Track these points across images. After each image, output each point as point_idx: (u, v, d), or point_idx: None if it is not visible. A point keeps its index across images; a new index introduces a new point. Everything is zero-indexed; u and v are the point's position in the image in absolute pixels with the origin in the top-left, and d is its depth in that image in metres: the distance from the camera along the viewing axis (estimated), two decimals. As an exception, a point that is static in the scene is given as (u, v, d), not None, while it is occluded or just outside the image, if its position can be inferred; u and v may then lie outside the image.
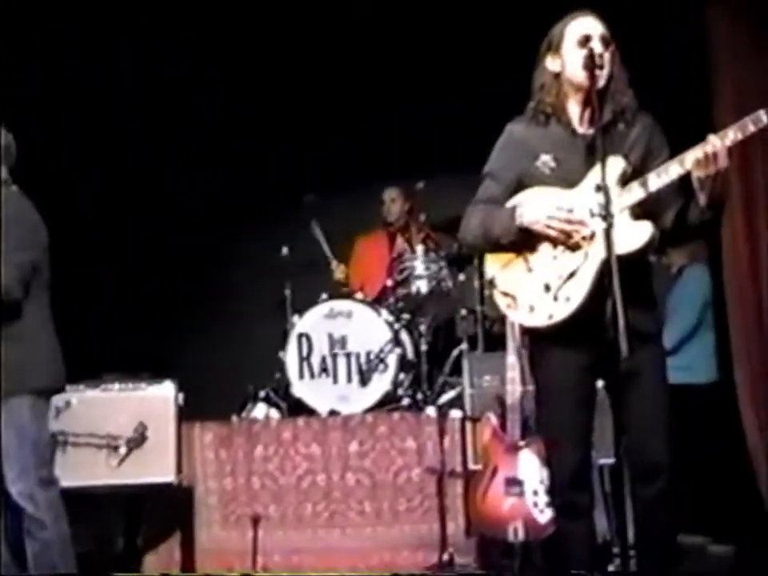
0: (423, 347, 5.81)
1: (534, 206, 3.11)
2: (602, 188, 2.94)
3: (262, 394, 5.79)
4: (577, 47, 3.12)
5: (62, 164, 5.79)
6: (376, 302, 5.95)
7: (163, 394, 5.02)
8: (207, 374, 6.46)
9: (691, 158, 2.96)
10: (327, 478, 5.26)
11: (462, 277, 5.95)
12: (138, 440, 4.90)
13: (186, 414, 5.12)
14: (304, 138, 6.74)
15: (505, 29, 5.94)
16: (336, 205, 6.52)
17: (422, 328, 5.85)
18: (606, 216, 2.91)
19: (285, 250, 6.13)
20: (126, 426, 4.89)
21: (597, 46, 3.10)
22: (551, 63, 3.20)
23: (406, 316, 5.88)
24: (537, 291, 3.13)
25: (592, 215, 3.04)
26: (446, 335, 6.12)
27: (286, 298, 6.11)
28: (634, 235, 3.00)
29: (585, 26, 3.15)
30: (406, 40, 6.28)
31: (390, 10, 6.10)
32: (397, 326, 5.74)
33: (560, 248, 3.12)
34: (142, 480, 4.88)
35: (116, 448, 4.86)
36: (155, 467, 4.91)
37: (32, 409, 3.63)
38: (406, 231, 6.47)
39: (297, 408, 5.68)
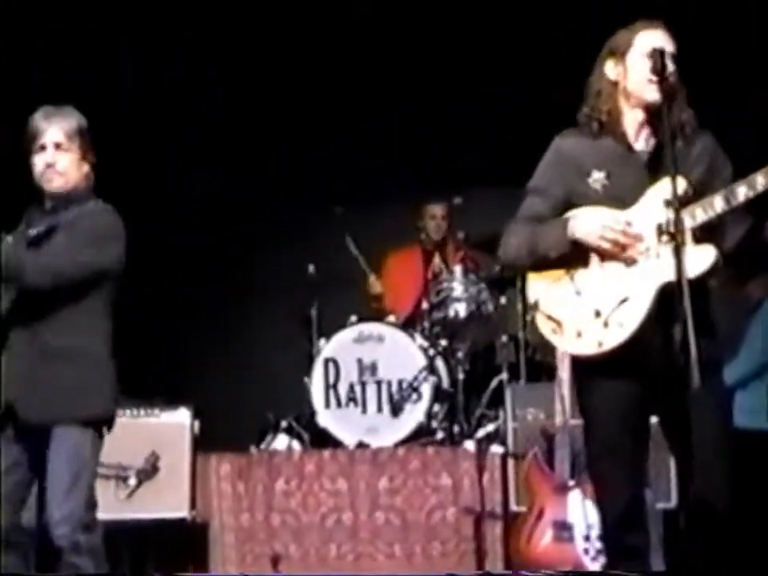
0: (460, 376, 5.74)
1: (589, 218, 3.09)
2: (671, 203, 2.90)
3: (283, 423, 5.74)
4: (644, 59, 3.07)
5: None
6: (409, 326, 5.90)
7: (177, 422, 5.04)
8: (225, 401, 6.44)
9: None
10: (354, 516, 5.21)
11: (503, 300, 5.92)
12: (149, 471, 4.91)
13: (202, 444, 5.12)
14: (329, 148, 6.79)
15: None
16: (365, 219, 6.53)
17: (459, 355, 5.80)
18: (676, 234, 2.85)
19: (311, 269, 6.12)
20: (136, 456, 4.91)
21: (667, 62, 3.05)
22: (611, 70, 3.16)
23: (441, 342, 5.83)
24: (585, 316, 3.08)
25: (660, 233, 3.01)
26: (484, 363, 6.05)
27: (311, 320, 6.06)
28: (696, 260, 2.95)
29: (656, 40, 3.11)
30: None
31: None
32: (432, 352, 5.68)
33: (612, 269, 3.08)
34: (153, 515, 4.89)
35: (125, 479, 4.88)
36: (167, 501, 4.92)
37: (92, 441, 3.45)
38: (443, 249, 6.45)
39: (321, 440, 5.64)
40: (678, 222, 2.86)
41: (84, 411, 3.43)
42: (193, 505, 4.96)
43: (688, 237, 2.96)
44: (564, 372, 4.61)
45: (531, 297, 3.22)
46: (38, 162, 3.54)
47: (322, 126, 6.72)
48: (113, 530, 4.58)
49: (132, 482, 4.87)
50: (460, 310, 5.79)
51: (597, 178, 3.12)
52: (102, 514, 4.37)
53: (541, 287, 3.19)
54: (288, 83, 6.61)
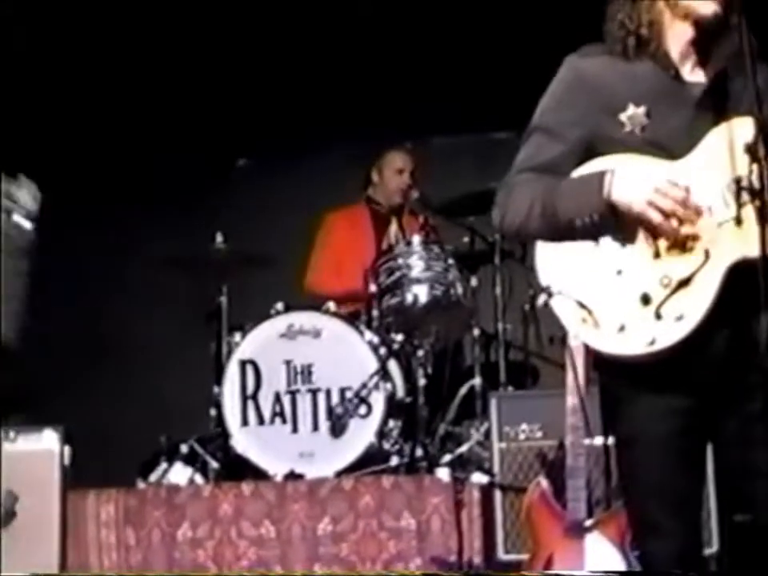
0: (421, 381, 5.51)
1: (635, 175, 2.85)
2: (752, 150, 2.63)
3: (183, 448, 5.52)
4: None
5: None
6: (355, 316, 5.65)
7: (42, 449, 4.94)
8: (103, 421, 6.45)
9: None
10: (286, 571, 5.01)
11: (474, 281, 5.68)
12: (4, 516, 4.79)
13: (75, 478, 5.00)
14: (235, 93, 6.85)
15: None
16: (279, 172, 6.58)
17: (420, 354, 5.56)
18: (762, 191, 2.60)
19: (219, 238, 5.72)
20: (-15, 497, 4.83)
21: None
22: None
23: (396, 337, 5.54)
24: (630, 304, 2.89)
25: (738, 191, 2.77)
26: (453, 365, 5.85)
27: (220, 309, 5.81)
28: None
29: None
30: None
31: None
32: (384, 350, 5.39)
33: (664, 242, 2.87)
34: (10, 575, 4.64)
35: (-29, 529, 4.80)
36: (30, 556, 4.77)
37: None
38: (401, 214, 6.16)
39: (238, 469, 5.41)
40: (763, 175, 2.58)
41: None
42: (64, 561, 4.82)
43: None
44: (579, 375, 4.30)
45: (543, 279, 2.98)
46: None
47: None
48: (-44, 597, 4.58)
49: (-20, 531, 4.73)
50: (420, 294, 5.52)
51: (633, 114, 2.92)
52: (-60, 580, 4.65)
53: (560, 264, 2.96)
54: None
